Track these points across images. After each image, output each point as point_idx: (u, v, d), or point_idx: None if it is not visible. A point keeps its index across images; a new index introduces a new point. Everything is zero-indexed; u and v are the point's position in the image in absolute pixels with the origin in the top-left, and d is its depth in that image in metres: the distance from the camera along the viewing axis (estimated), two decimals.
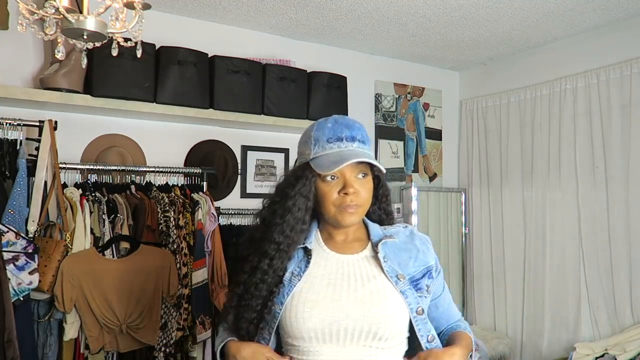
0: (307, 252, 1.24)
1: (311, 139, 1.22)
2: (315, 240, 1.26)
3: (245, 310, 1.22)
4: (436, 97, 4.02)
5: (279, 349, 1.23)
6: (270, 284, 1.21)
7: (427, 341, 1.20)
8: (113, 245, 2.30)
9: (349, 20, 3.05)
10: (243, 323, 1.23)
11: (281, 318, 1.19)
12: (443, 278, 1.33)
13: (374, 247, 1.25)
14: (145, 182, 2.62)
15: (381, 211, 1.35)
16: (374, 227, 1.30)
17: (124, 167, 2.56)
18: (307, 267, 1.21)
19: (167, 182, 2.67)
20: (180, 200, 2.52)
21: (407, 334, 1.22)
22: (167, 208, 2.44)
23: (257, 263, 1.22)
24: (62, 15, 1.43)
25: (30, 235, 2.11)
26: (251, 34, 3.19)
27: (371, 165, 1.23)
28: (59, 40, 1.53)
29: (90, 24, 1.47)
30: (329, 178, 1.20)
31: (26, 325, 2.02)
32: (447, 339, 1.28)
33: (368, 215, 1.31)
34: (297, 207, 1.20)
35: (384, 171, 1.24)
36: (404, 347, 1.22)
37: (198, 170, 2.73)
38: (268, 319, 1.22)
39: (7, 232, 1.96)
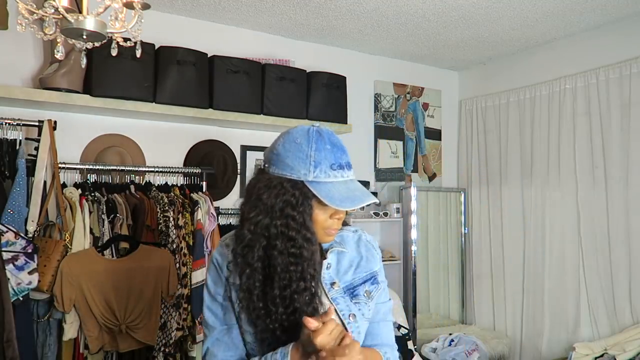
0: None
1: (310, 158, 1.13)
2: None
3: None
4: (435, 97, 4.02)
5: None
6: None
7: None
8: (112, 245, 2.31)
9: (348, 20, 3.05)
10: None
11: None
12: (386, 291, 1.28)
13: (323, 253, 1.21)
14: (144, 182, 2.62)
15: None
16: None
17: (123, 167, 2.56)
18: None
19: (166, 182, 2.67)
20: (180, 200, 2.52)
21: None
22: (167, 208, 2.44)
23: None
24: (61, 15, 1.44)
25: (30, 235, 2.11)
26: (251, 33, 3.19)
27: None
28: (58, 40, 1.53)
29: (89, 23, 1.47)
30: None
31: (25, 325, 2.02)
32: None
33: None
34: (311, 241, 1.13)
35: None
36: None
37: (197, 170, 2.73)
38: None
39: (7, 232, 1.96)
